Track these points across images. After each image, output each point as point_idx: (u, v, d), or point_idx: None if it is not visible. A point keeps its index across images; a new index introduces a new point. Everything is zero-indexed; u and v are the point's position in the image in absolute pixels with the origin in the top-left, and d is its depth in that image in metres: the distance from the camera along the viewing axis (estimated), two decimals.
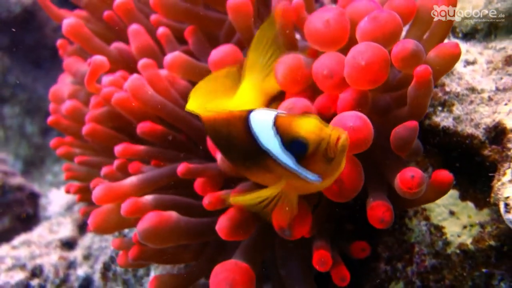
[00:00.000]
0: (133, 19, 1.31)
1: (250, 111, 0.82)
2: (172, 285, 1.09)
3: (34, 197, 2.37)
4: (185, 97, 1.16)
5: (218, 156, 1.04)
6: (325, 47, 0.96)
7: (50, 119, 1.36)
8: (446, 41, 1.06)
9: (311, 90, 1.03)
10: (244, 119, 0.81)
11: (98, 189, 1.02)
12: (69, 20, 1.28)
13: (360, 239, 1.15)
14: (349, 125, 0.83)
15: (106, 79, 1.19)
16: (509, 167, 0.89)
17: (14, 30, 2.91)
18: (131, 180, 1.07)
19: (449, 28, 1.00)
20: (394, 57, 0.87)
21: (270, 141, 0.78)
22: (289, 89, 1.01)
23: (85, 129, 1.17)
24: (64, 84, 1.50)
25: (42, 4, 1.46)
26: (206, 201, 0.98)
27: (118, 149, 1.12)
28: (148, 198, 1.05)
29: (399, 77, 1.05)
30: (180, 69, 1.11)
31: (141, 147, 1.13)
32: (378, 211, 0.88)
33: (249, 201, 0.84)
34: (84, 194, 1.38)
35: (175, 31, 1.27)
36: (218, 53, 1.07)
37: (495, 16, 1.11)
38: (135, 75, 1.08)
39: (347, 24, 0.94)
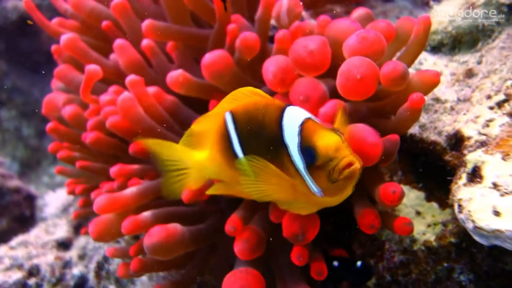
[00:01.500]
0: (130, 21, 1.35)
1: (289, 104, 0.86)
2: None
3: (31, 199, 2.44)
4: (172, 112, 1.24)
5: None
6: (308, 73, 1.04)
7: (49, 126, 1.42)
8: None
9: None
10: (281, 109, 0.84)
11: (100, 200, 1.08)
12: (66, 35, 1.37)
13: (338, 238, 1.25)
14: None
15: (103, 98, 1.25)
16: (464, 172, 0.98)
17: (10, 36, 2.97)
18: (131, 190, 1.13)
19: (423, 46, 1.09)
20: (385, 76, 0.94)
21: (291, 138, 0.82)
22: (276, 88, 1.07)
23: (89, 138, 1.23)
24: (57, 94, 1.56)
25: (31, 13, 1.53)
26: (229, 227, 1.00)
27: (113, 170, 1.18)
28: (146, 214, 1.11)
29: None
30: (182, 87, 1.16)
31: (135, 167, 1.20)
32: (369, 218, 0.97)
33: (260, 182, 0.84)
34: (85, 195, 1.46)
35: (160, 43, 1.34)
36: (211, 56, 1.11)
37: (457, 33, 1.21)
38: (126, 94, 1.14)
39: (329, 52, 1.03)
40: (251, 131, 0.88)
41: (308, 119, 0.82)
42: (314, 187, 0.83)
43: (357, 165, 0.78)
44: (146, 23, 1.24)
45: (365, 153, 0.90)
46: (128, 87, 1.17)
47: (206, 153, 0.95)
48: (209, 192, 0.99)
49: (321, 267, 1.04)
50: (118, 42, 1.30)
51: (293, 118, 0.83)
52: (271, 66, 1.05)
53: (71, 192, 1.48)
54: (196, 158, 0.96)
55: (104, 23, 1.38)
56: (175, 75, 1.15)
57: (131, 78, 1.16)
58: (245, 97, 0.88)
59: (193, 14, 1.35)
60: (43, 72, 3.30)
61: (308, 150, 0.80)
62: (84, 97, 1.26)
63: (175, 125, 1.24)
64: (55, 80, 1.61)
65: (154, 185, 1.16)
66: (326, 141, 0.79)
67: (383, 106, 1.09)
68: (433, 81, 0.99)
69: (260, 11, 1.21)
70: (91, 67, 1.22)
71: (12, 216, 2.30)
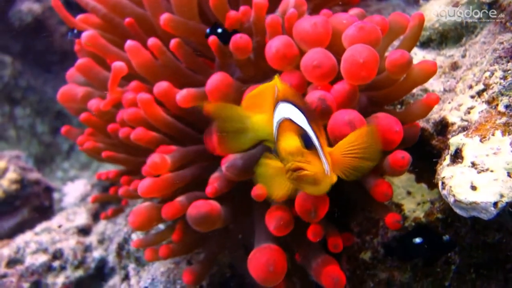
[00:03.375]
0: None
1: (282, 101, 0.94)
2: (203, 271, 1.28)
3: (49, 191, 2.59)
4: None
5: (224, 165, 1.19)
6: (310, 45, 1.13)
7: (83, 116, 1.51)
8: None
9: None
10: (276, 103, 0.94)
11: (144, 184, 1.18)
12: (88, 32, 1.45)
13: (337, 218, 1.38)
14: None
15: (126, 96, 1.35)
16: (447, 154, 1.10)
17: (25, 37, 3.11)
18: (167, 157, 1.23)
19: (417, 40, 1.20)
20: (392, 62, 1.05)
21: (275, 132, 0.92)
22: (276, 64, 1.16)
23: (134, 134, 1.31)
24: (74, 86, 1.64)
25: (58, 10, 1.59)
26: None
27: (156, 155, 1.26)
28: (181, 198, 1.21)
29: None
30: (219, 94, 1.22)
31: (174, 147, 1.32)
32: (382, 187, 1.07)
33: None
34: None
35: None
36: (212, 81, 1.21)
37: (444, 29, 1.33)
38: (142, 95, 1.26)
39: (330, 28, 1.14)
40: None
41: (286, 119, 0.90)
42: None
43: (305, 172, 0.85)
44: (164, 17, 1.32)
45: (390, 139, 1.04)
46: (139, 104, 1.27)
47: (264, 115, 1.02)
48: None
49: (337, 241, 1.16)
50: (129, 43, 1.35)
51: (277, 115, 0.92)
52: (273, 42, 1.14)
53: (103, 178, 1.60)
54: (255, 119, 1.03)
55: (127, 20, 1.46)
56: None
57: (134, 84, 1.26)
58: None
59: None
60: (56, 70, 3.45)
61: (275, 149, 0.91)
62: (111, 91, 1.38)
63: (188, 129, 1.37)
64: (75, 73, 1.66)
65: (183, 151, 1.27)
66: (284, 144, 0.86)
67: (382, 96, 1.21)
68: (431, 70, 1.09)
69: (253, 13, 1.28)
70: (117, 64, 1.32)
71: (33, 206, 2.45)
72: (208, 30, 1.29)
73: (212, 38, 1.26)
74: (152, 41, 1.33)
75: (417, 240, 1.14)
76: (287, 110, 0.92)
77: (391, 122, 1.05)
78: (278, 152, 0.89)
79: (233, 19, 1.26)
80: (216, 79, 1.22)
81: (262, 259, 1.07)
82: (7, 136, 3.70)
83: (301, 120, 0.91)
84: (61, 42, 3.29)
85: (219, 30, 1.28)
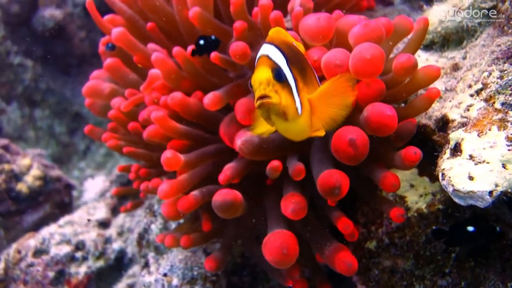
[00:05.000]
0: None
1: (267, 43, 0.98)
2: (224, 258, 1.38)
3: (69, 188, 2.72)
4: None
5: (240, 138, 1.27)
6: (313, 39, 1.20)
7: (111, 112, 1.60)
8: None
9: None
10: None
11: (163, 187, 1.29)
12: (117, 29, 1.54)
13: (344, 210, 1.46)
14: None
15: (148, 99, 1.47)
16: (448, 148, 1.19)
17: (47, 41, 3.26)
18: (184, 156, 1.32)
19: (421, 42, 1.28)
20: (399, 65, 1.11)
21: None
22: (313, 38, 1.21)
23: (147, 131, 1.42)
24: (100, 81, 1.73)
25: (91, 11, 1.65)
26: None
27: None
28: (195, 193, 1.31)
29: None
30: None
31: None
32: (391, 179, 1.15)
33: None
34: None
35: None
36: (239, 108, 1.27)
37: (446, 33, 1.41)
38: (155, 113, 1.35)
39: (333, 24, 1.21)
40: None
41: (264, 55, 0.95)
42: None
43: (268, 101, 0.90)
44: (193, 10, 1.39)
45: (383, 124, 1.07)
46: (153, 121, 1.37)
47: None
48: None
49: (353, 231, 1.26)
50: (156, 55, 1.43)
51: (258, 54, 0.97)
52: (308, 21, 1.18)
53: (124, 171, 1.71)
54: None
55: (149, 24, 1.56)
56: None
57: (155, 114, 1.34)
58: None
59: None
60: (75, 73, 3.61)
61: (249, 82, 0.95)
62: (145, 91, 1.48)
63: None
64: (99, 73, 1.78)
65: (200, 153, 1.38)
66: (256, 74, 0.92)
67: (389, 95, 1.29)
68: (435, 75, 1.17)
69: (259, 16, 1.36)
70: (153, 72, 1.43)
71: (54, 202, 2.58)
72: (193, 47, 1.39)
73: (214, 54, 1.35)
74: (176, 50, 1.42)
75: (470, 228, 1.17)
76: (267, 50, 0.97)
77: (382, 107, 1.09)
78: (252, 87, 0.92)
79: (240, 30, 1.35)
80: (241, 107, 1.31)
81: (276, 242, 1.15)
82: (27, 137, 3.86)
83: (279, 59, 0.95)
84: (80, 46, 3.45)
85: (201, 42, 1.39)
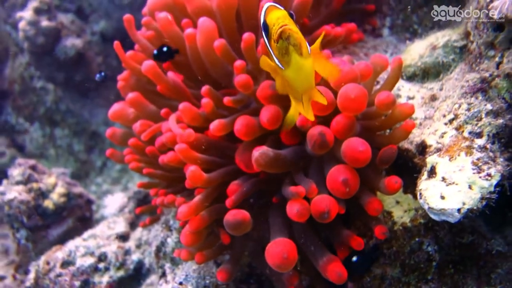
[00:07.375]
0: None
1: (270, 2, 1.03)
2: (233, 269, 1.54)
3: (89, 203, 2.95)
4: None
5: (257, 151, 1.38)
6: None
7: (131, 141, 1.79)
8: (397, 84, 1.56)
9: None
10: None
11: (182, 209, 1.44)
12: (147, 62, 1.69)
13: (340, 224, 1.65)
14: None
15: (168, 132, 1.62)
16: (425, 170, 1.37)
17: (68, 68, 3.54)
18: (198, 197, 1.48)
19: (398, 79, 1.49)
20: (380, 101, 1.32)
21: (261, 20, 1.01)
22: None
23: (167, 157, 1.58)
24: (126, 106, 1.91)
25: (118, 52, 1.82)
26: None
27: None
28: (203, 212, 1.46)
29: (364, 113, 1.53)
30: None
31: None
32: (375, 204, 1.36)
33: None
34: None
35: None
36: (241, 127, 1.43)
37: (425, 67, 1.61)
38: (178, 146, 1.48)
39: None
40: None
41: (271, 5, 0.99)
42: (275, 58, 0.99)
43: (289, 27, 0.92)
44: (219, 41, 1.53)
45: (356, 158, 1.28)
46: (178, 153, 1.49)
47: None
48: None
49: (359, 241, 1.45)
50: (184, 105, 1.55)
51: (263, 7, 1.02)
52: None
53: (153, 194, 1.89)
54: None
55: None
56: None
57: (179, 147, 1.47)
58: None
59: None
60: (92, 96, 3.87)
61: (264, 24, 0.98)
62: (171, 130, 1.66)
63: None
64: (123, 104, 1.96)
65: (217, 175, 1.54)
66: (272, 14, 0.96)
67: (373, 125, 1.50)
68: (409, 112, 1.38)
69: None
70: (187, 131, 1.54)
71: (76, 216, 2.80)
72: (155, 51, 1.70)
73: (226, 99, 1.55)
74: (205, 101, 1.55)
75: (354, 258, 1.46)
76: (271, 3, 1.02)
77: (356, 143, 1.26)
78: (267, 25, 0.96)
79: (239, 68, 1.51)
80: (242, 124, 1.47)
81: (277, 249, 1.31)
82: (48, 155, 4.13)
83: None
84: (97, 71, 3.73)
85: (165, 49, 1.70)
